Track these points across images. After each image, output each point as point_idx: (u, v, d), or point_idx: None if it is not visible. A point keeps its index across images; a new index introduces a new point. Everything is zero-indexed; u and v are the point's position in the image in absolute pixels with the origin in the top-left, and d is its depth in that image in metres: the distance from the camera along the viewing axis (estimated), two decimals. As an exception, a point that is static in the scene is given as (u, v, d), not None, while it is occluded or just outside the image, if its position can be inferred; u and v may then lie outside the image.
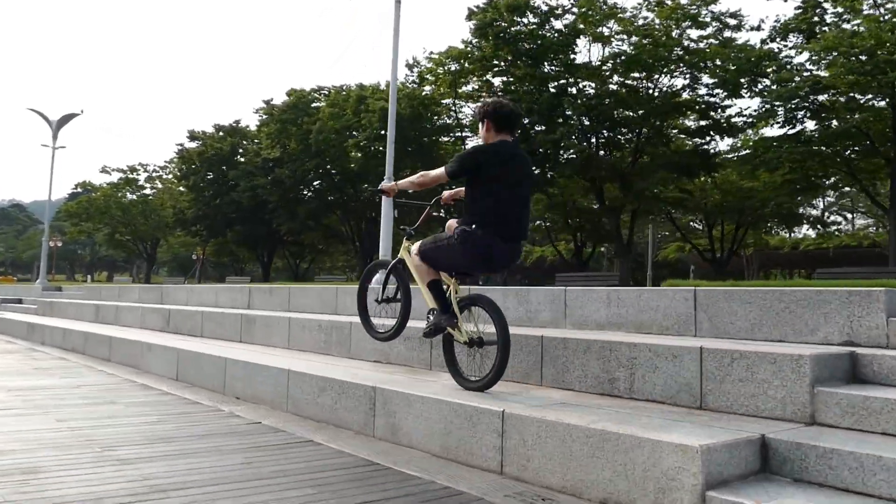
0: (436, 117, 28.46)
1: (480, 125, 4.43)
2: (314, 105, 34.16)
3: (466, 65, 25.25)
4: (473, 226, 4.14)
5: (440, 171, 4.40)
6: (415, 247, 4.63)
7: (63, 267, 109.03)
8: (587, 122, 23.47)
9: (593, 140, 24.93)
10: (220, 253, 55.60)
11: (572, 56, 23.96)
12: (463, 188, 4.56)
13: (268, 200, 34.41)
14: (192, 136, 41.21)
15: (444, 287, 4.57)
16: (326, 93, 33.92)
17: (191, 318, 9.96)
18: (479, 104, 5.31)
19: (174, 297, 12.99)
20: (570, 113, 23.25)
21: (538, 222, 43.58)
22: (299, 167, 33.02)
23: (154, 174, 52.48)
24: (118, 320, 12.27)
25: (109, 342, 9.47)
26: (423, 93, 27.75)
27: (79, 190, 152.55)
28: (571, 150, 23.89)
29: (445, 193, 4.89)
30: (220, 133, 40.74)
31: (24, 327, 13.29)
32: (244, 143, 39.64)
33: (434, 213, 5.09)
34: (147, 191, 53.10)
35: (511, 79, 25.35)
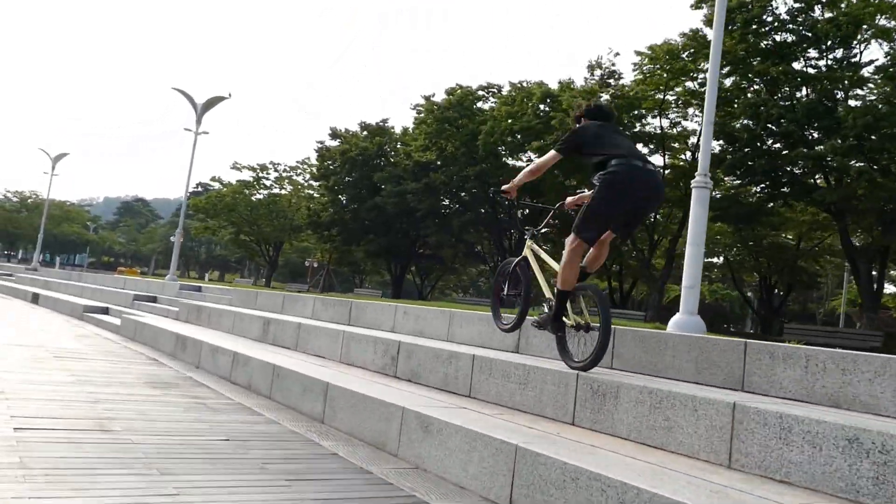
0: (634, 123, 24.23)
1: (577, 124, 5.10)
2: (477, 105, 30.84)
3: (686, 61, 21.00)
4: (611, 162, 4.56)
5: (550, 153, 5.00)
6: (570, 236, 4.78)
7: (178, 263, 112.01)
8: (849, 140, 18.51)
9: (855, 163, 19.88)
10: (341, 262, 53.43)
11: (847, 52, 19.21)
12: (584, 193, 5.29)
13: (416, 208, 31.24)
14: (335, 133, 38.90)
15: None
16: (495, 90, 30.57)
17: (449, 363, 6.26)
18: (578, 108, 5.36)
19: (372, 319, 9.50)
20: (832, 126, 18.39)
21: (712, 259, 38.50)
22: (457, 173, 29.66)
23: (284, 174, 50.97)
24: (301, 345, 8.87)
25: (325, 392, 5.93)
26: (626, 90, 23.38)
27: (199, 189, 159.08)
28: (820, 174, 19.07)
29: (569, 199, 5.46)
30: (365, 132, 38.20)
31: (171, 339, 10.15)
32: (387, 146, 36.80)
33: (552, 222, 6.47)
34: (276, 191, 51.64)
35: (738, 79, 20.91)
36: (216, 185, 55.59)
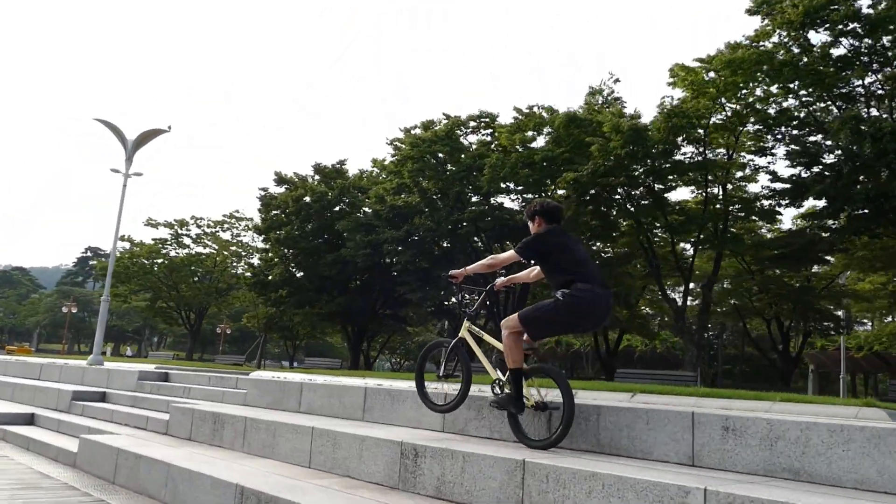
0: (681, 146, 20.86)
1: (531, 223, 5.38)
2: (468, 140, 26.96)
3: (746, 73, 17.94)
4: (577, 284, 4.95)
5: (510, 253, 5.38)
6: (511, 319, 5.07)
7: (60, 335, 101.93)
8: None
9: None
10: (270, 327, 47.56)
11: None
12: (515, 275, 5.71)
13: (393, 261, 26.64)
14: (281, 179, 33.83)
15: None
16: (487, 120, 26.78)
17: None
18: (528, 205, 5.63)
19: (630, 442, 5.20)
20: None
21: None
22: (445, 217, 25.42)
23: (208, 229, 44.98)
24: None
25: None
26: (685, 105, 19.91)
27: (88, 254, 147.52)
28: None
29: (498, 281, 5.70)
30: (318, 176, 33.39)
31: (225, 496, 5.43)
32: (348, 191, 32.01)
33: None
34: (199, 249, 45.49)
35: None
36: (123, 245, 48.79)
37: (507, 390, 5.20)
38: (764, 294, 26.96)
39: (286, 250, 32.68)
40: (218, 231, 45.14)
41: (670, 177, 21.27)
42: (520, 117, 24.12)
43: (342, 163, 33.55)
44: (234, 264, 45.70)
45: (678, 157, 20.93)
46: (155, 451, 6.89)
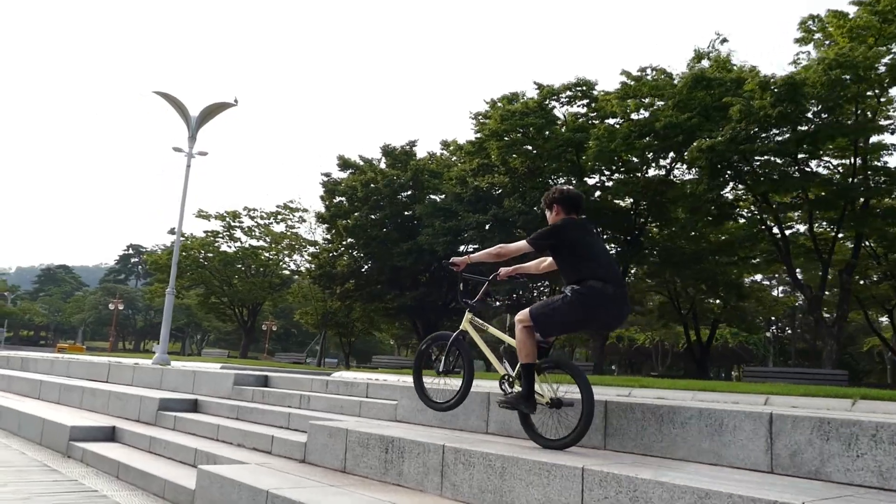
0: (840, 105, 18.01)
1: (549, 212, 5.14)
2: (563, 111, 24.55)
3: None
4: (588, 281, 4.72)
5: (522, 243, 5.03)
6: (523, 314, 4.87)
7: (104, 333, 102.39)
8: None
9: None
10: (326, 322, 45.56)
11: None
12: (522, 265, 5.52)
13: (466, 251, 24.44)
14: (345, 163, 31.77)
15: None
16: (582, 89, 24.27)
17: None
18: (546, 192, 5.37)
19: None
20: None
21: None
22: (539, 200, 23.14)
23: (262, 220, 43.26)
24: None
25: None
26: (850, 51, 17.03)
27: (130, 251, 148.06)
28: None
29: (503, 270, 5.53)
30: (385, 159, 31.23)
31: None
32: (423, 174, 29.72)
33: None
34: (253, 242, 43.83)
35: None
36: (159, 245, 47.61)
37: (517, 387, 4.95)
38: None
39: (352, 240, 30.62)
40: (271, 223, 43.47)
41: (822, 143, 18.51)
42: (628, 82, 21.61)
43: (413, 144, 31.32)
44: (287, 259, 44.06)
45: (828, 120, 18.21)
46: (332, 502, 4.67)
